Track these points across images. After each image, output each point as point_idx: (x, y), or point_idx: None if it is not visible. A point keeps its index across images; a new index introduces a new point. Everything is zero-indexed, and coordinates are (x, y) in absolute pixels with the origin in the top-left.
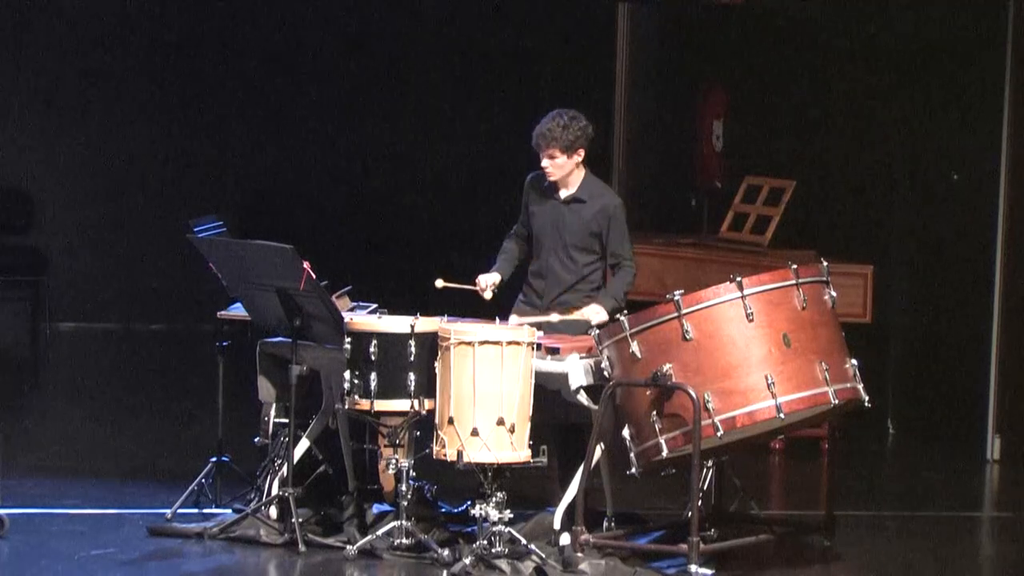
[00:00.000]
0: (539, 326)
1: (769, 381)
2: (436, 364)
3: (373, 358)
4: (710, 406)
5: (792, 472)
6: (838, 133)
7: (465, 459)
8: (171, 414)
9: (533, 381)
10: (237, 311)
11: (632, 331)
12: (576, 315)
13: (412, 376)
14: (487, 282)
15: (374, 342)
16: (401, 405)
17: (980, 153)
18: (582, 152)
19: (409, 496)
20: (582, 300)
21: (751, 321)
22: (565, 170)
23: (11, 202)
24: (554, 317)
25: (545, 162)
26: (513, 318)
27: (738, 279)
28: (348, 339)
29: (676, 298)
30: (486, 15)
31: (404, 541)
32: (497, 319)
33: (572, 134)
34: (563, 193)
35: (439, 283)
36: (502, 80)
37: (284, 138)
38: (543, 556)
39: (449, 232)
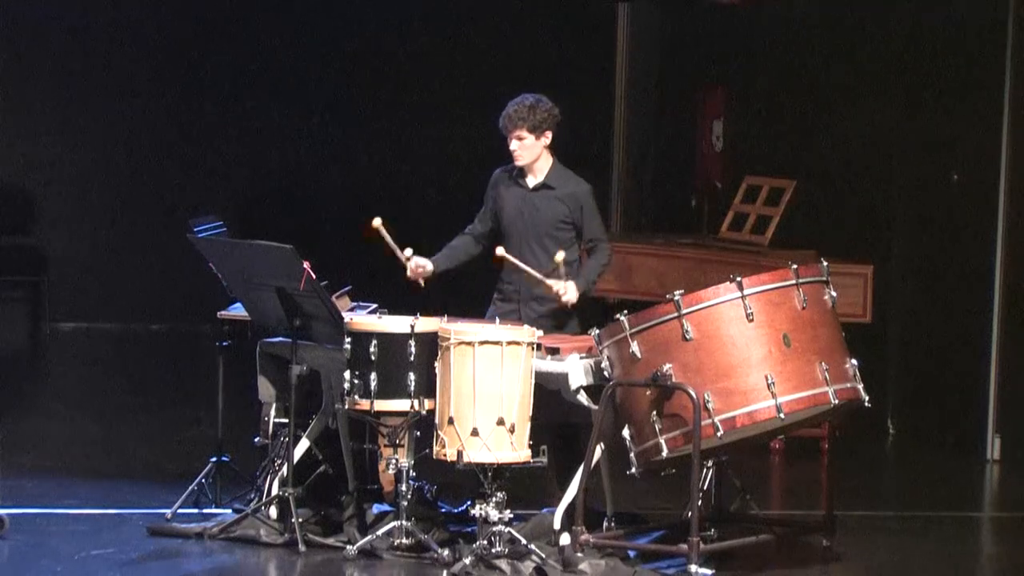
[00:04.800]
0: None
1: (769, 381)
2: (436, 364)
3: (373, 358)
4: (710, 406)
5: (792, 472)
6: (838, 133)
7: (465, 459)
8: (171, 414)
9: (533, 381)
10: (237, 311)
11: (632, 331)
12: (551, 282)
13: (412, 376)
14: (415, 263)
15: (374, 342)
16: (401, 405)
17: (980, 153)
18: (549, 135)
19: (409, 496)
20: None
21: (751, 321)
22: (534, 152)
23: (11, 202)
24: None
25: (514, 144)
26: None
27: (738, 279)
28: (348, 339)
29: (676, 298)
30: (486, 15)
31: (404, 541)
32: (497, 319)
33: (539, 115)
34: (531, 181)
35: (376, 221)
36: (502, 80)
37: (284, 138)
38: (543, 556)
39: (449, 233)
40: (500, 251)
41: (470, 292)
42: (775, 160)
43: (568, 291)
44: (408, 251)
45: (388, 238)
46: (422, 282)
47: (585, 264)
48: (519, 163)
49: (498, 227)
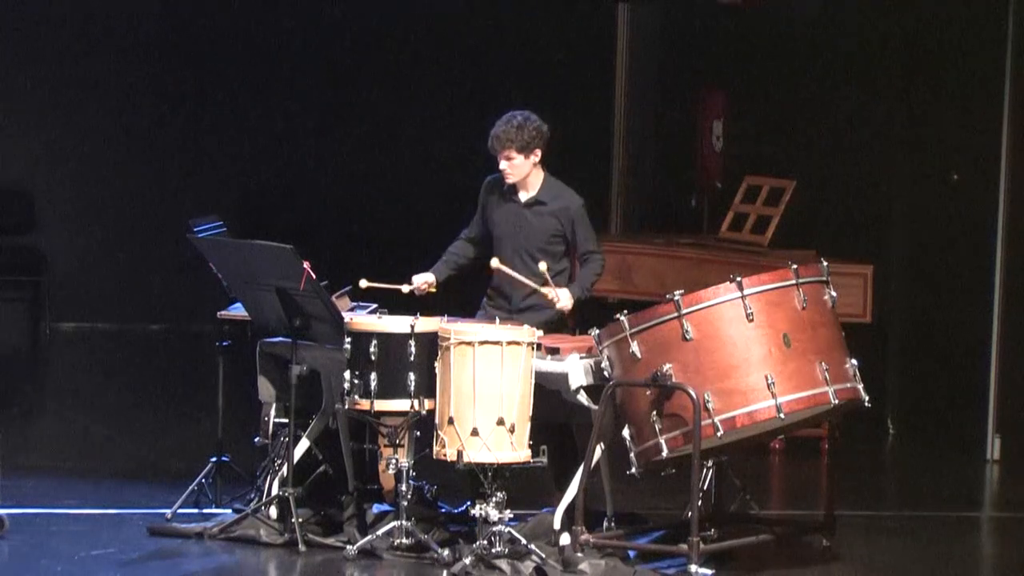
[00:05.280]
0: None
1: (769, 381)
2: (436, 364)
3: (373, 358)
4: (710, 406)
5: (792, 472)
6: (838, 133)
7: (465, 459)
8: (171, 414)
9: (533, 381)
10: (237, 311)
11: (632, 331)
12: (545, 290)
13: (412, 376)
14: (419, 281)
15: (374, 342)
16: (401, 405)
17: (980, 153)
18: (539, 152)
19: (409, 496)
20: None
21: (751, 321)
22: (523, 171)
23: (11, 202)
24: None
25: (503, 164)
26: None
27: (738, 279)
28: (348, 339)
29: (676, 298)
30: (486, 15)
31: (404, 541)
32: (498, 320)
33: (527, 134)
34: (523, 196)
35: (363, 283)
36: (502, 80)
37: (284, 138)
38: (543, 556)
39: (449, 233)
40: (495, 263)
41: (470, 292)
42: (775, 160)
43: (562, 297)
44: (404, 287)
45: (382, 285)
46: (433, 289)
47: (579, 273)
48: (509, 181)
49: (490, 238)
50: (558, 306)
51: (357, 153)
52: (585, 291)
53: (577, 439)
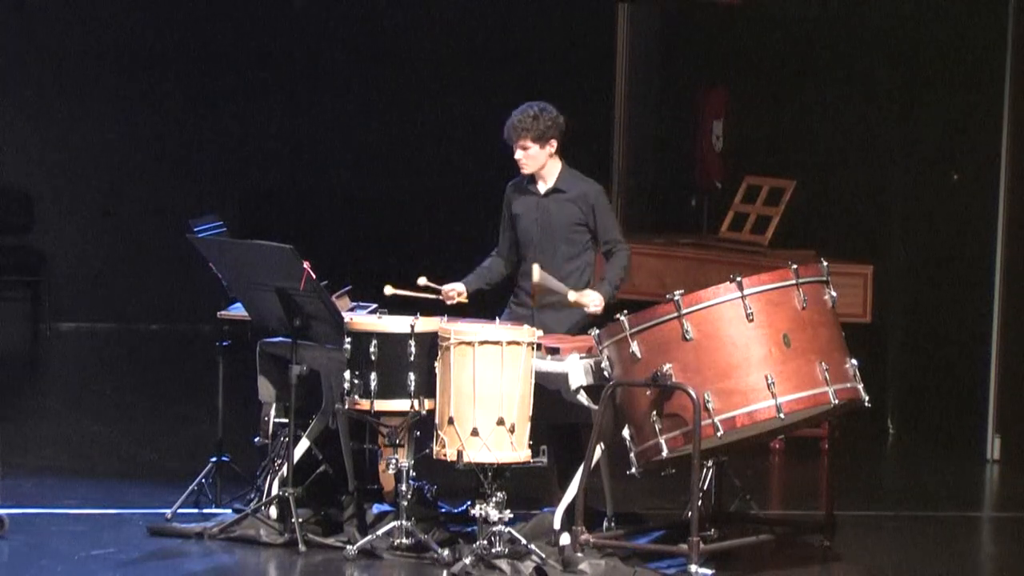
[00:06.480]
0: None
1: (769, 381)
2: (436, 364)
3: (373, 358)
4: (710, 406)
5: (792, 472)
6: (838, 133)
7: (465, 459)
8: (171, 414)
9: (533, 381)
10: (237, 311)
11: (632, 331)
12: (577, 296)
13: (412, 376)
14: (449, 289)
15: (374, 342)
16: (401, 405)
17: (980, 153)
18: (555, 143)
19: (409, 496)
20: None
21: (751, 321)
22: (538, 161)
23: (11, 202)
24: (571, 294)
25: (519, 154)
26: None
27: (738, 279)
28: (348, 339)
29: (676, 298)
30: (486, 15)
31: (404, 541)
32: (498, 319)
33: (543, 123)
34: (542, 187)
35: (388, 290)
36: (502, 80)
37: (284, 138)
38: (543, 556)
39: (448, 232)
40: (536, 274)
41: (470, 293)
42: (775, 160)
43: (592, 301)
44: (432, 288)
45: (407, 293)
46: (464, 299)
47: (605, 269)
48: (524, 171)
49: (518, 245)
50: (590, 310)
51: (357, 153)
52: (614, 289)
53: (584, 440)
